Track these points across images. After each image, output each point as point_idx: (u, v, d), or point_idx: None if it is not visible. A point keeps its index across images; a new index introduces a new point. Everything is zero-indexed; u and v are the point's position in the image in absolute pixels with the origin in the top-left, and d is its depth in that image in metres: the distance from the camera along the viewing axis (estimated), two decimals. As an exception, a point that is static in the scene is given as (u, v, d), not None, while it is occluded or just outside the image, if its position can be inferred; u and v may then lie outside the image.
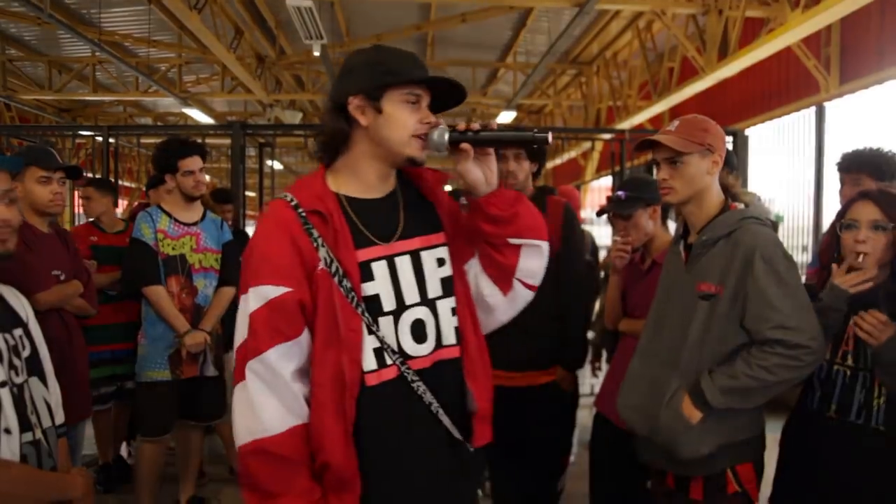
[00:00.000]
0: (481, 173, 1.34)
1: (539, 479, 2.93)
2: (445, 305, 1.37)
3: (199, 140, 7.53)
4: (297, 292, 1.25)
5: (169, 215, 3.05)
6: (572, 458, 4.04)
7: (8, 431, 1.34)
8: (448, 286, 1.38)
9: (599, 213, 2.63)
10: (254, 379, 1.23)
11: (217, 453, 4.23)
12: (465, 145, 1.32)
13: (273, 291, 1.24)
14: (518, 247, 1.40)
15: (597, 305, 3.40)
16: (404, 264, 1.34)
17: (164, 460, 3.15)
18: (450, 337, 1.37)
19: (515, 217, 1.36)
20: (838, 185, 2.66)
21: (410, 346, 1.32)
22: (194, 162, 3.04)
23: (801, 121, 6.47)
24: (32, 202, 2.61)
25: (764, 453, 1.82)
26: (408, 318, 1.32)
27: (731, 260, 1.67)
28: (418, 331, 1.33)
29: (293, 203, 1.29)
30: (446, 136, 1.32)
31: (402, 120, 1.30)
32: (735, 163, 3.24)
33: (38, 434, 1.44)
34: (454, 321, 1.38)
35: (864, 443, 1.76)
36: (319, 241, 1.27)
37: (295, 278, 1.25)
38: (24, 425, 1.39)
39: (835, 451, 1.79)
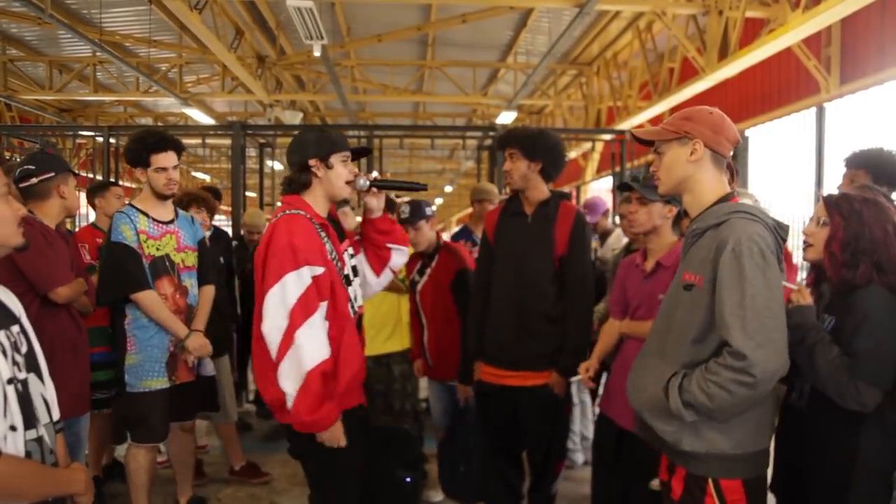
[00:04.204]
0: (376, 203, 2.30)
1: (533, 479, 2.93)
2: (356, 282, 2.30)
3: (200, 140, 7.63)
4: (328, 273, 2.05)
5: (146, 214, 2.87)
6: (582, 460, 4.04)
7: (13, 428, 1.35)
8: (356, 269, 2.34)
9: (621, 187, 2.63)
10: (312, 325, 1.97)
11: (217, 453, 4.24)
12: (373, 189, 2.27)
13: (318, 270, 2.02)
14: (391, 249, 2.40)
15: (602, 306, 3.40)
16: (347, 256, 2.29)
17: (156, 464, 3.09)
18: (359, 300, 2.30)
19: (392, 231, 2.39)
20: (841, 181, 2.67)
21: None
22: (168, 158, 2.85)
23: (801, 121, 6.48)
24: (69, 207, 2.81)
25: (764, 473, 1.74)
26: (354, 285, 2.28)
27: (710, 251, 1.62)
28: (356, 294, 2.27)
29: (308, 216, 2.09)
30: (365, 183, 2.23)
31: (341, 171, 2.15)
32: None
33: (41, 431, 1.45)
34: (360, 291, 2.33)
35: (795, 423, 1.91)
36: (326, 240, 2.12)
37: (325, 264, 2.05)
38: (28, 422, 1.40)
39: (789, 432, 1.95)
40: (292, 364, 1.93)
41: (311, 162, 2.12)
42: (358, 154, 2.30)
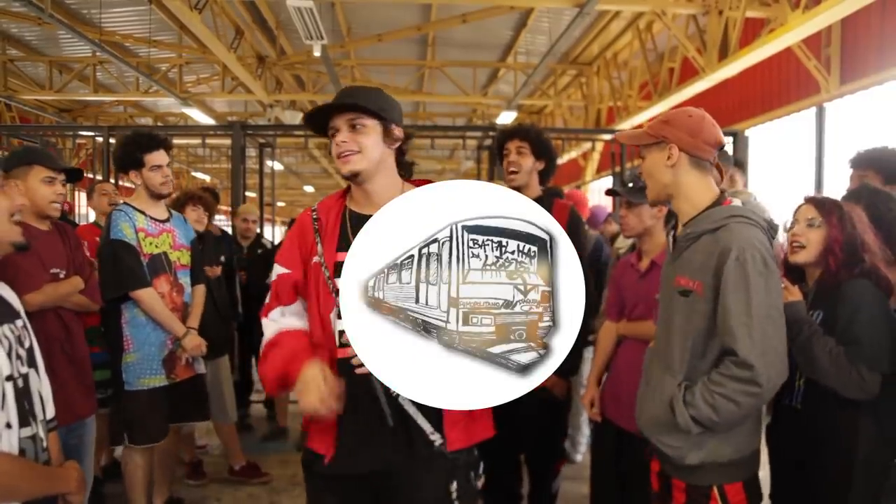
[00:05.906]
0: None
1: (532, 481, 2.93)
2: None
3: (200, 140, 7.62)
4: (294, 274, 1.67)
5: (143, 213, 2.90)
6: (580, 459, 4.05)
7: (9, 426, 1.35)
8: None
9: (609, 193, 2.65)
10: (268, 323, 1.66)
11: (217, 453, 4.23)
12: None
13: (280, 270, 1.68)
14: None
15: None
16: None
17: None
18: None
19: None
20: (847, 182, 2.66)
21: None
22: (161, 156, 2.87)
23: (801, 121, 6.48)
24: (34, 202, 2.50)
25: (758, 470, 1.75)
26: None
27: (709, 256, 1.60)
28: None
29: (313, 209, 1.72)
30: None
31: (334, 150, 1.64)
32: (730, 161, 3.22)
33: (36, 429, 1.45)
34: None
35: (790, 422, 1.94)
36: (319, 241, 1.65)
37: (294, 264, 1.67)
38: (24, 419, 1.40)
39: (782, 432, 1.98)
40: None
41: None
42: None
